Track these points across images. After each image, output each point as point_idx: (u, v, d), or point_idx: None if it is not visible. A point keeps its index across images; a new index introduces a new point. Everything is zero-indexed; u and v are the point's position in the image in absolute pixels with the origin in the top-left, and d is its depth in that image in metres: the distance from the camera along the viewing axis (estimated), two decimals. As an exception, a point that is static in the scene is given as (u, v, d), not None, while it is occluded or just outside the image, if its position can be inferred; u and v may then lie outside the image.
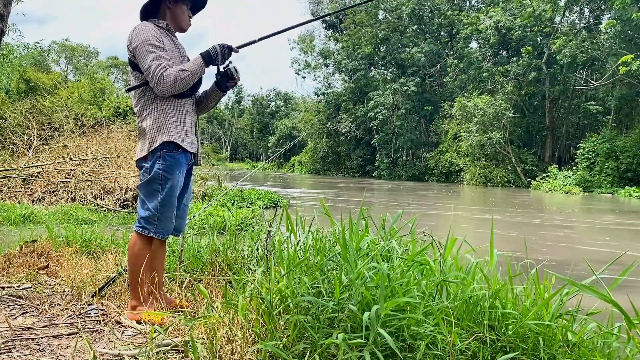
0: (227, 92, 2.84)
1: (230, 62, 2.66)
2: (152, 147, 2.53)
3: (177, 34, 2.77)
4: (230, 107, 75.98)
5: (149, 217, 2.56)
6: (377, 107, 41.55)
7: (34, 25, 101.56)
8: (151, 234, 2.56)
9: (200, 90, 2.82)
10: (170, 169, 2.55)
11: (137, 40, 2.49)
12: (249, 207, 10.80)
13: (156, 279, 2.67)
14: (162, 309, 2.58)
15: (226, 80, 2.70)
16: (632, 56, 23.79)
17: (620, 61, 24.18)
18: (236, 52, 2.63)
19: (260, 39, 2.69)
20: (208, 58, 2.55)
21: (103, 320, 2.54)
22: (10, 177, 10.26)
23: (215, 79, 2.74)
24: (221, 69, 2.66)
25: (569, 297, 1.93)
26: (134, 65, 2.55)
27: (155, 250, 2.65)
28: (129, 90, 2.66)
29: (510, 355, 1.70)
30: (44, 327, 2.44)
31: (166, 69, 2.44)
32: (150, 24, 2.58)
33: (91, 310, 2.70)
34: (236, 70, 2.66)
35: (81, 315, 2.63)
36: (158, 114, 2.55)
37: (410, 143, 40.58)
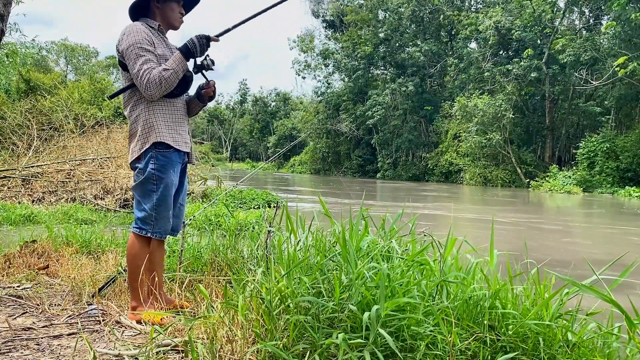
0: (210, 102, 2.80)
1: (208, 55, 2.58)
2: (144, 148, 2.53)
3: (176, 32, 2.76)
4: (231, 107, 75.96)
5: (145, 218, 2.55)
6: (374, 107, 41.56)
7: (39, 26, 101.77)
8: (148, 235, 2.56)
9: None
10: (163, 169, 2.54)
11: (127, 43, 2.46)
12: (254, 208, 10.75)
13: (156, 279, 2.67)
14: (162, 309, 2.58)
15: (204, 70, 2.61)
16: (626, 57, 23.78)
17: (616, 63, 24.16)
18: (216, 40, 2.54)
19: (234, 27, 2.60)
20: (186, 51, 2.50)
21: (103, 320, 2.53)
22: (10, 177, 10.25)
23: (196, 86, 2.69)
24: (198, 62, 2.59)
25: (569, 297, 1.93)
26: (124, 65, 2.53)
27: (153, 250, 2.65)
28: (111, 97, 2.65)
29: (510, 355, 1.70)
30: (44, 327, 2.44)
31: (151, 73, 2.42)
32: (141, 25, 2.55)
33: (91, 310, 2.70)
34: (213, 63, 2.58)
35: (81, 315, 2.63)
36: (148, 114, 2.54)
37: (408, 143, 40.57)
